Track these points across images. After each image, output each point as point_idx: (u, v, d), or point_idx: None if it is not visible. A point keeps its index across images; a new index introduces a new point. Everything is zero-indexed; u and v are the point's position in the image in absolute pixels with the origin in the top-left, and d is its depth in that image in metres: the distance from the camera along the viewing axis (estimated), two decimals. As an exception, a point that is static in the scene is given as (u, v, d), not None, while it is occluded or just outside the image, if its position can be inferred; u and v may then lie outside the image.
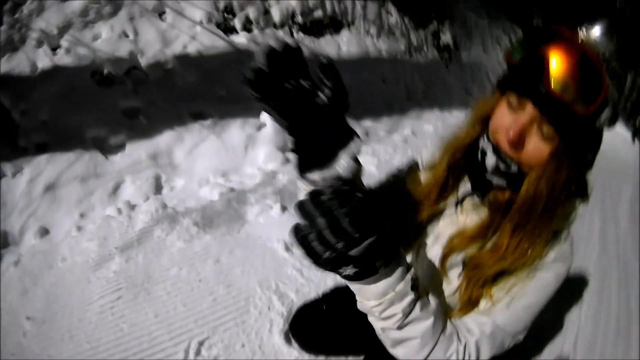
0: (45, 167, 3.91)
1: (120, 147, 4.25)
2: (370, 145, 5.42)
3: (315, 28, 7.11)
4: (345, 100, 0.94)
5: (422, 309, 1.00)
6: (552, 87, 0.93)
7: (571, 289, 3.50)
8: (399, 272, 0.96)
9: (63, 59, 4.74)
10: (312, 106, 0.91)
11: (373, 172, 4.77)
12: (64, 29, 4.94)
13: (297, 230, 0.84)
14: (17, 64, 4.51)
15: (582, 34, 0.97)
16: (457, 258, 1.18)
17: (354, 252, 0.86)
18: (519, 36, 0.91)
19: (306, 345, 2.41)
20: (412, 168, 1.44)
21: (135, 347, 2.60)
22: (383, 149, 5.40)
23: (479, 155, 1.11)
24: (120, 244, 3.31)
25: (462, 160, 1.21)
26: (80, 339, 2.65)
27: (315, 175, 0.95)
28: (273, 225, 3.59)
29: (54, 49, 4.83)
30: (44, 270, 3.16)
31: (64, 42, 4.88)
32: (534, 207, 1.04)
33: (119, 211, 3.62)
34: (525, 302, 1.10)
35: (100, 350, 2.58)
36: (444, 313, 1.08)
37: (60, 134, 4.19)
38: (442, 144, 1.27)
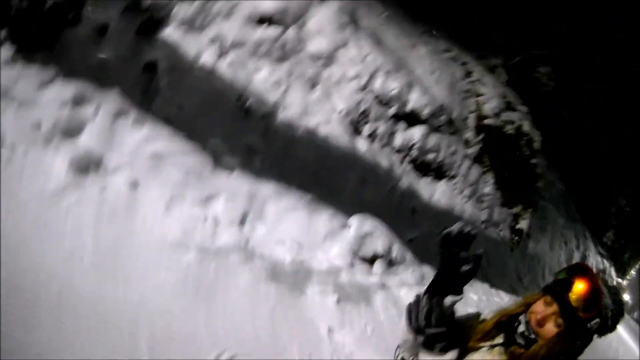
0: (161, 138, 3.91)
1: (229, 169, 4.26)
2: (422, 289, 5.32)
3: (422, 167, 7.34)
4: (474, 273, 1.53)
5: None
6: (571, 300, 1.46)
7: None
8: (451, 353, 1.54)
9: (223, 68, 4.97)
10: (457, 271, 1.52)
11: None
12: (237, 44, 5.23)
13: (409, 312, 1.58)
14: (188, 43, 4.75)
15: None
16: None
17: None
18: (565, 266, 1.73)
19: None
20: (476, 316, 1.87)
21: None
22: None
23: (515, 323, 1.60)
24: (199, 244, 3.25)
25: (504, 323, 1.66)
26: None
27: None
28: (325, 309, 3.61)
29: (221, 54, 5.02)
30: (121, 214, 3.08)
31: (231, 54, 5.09)
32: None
33: (206, 218, 3.59)
34: None
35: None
36: None
37: (188, 122, 4.31)
38: (497, 309, 1.75)
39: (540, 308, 1.55)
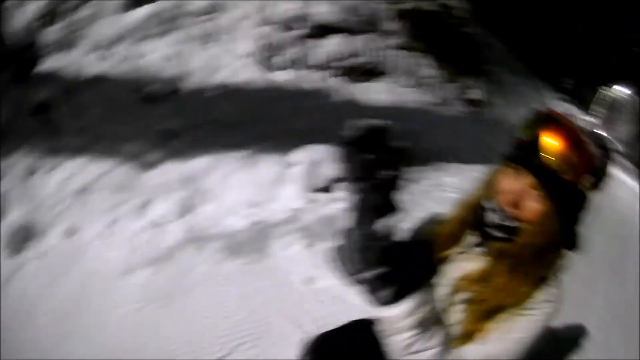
0: (80, 169, 3.94)
1: (154, 165, 4.29)
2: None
3: (352, 74, 7.16)
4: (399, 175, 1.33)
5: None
6: (543, 160, 1.21)
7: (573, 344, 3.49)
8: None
9: (111, 69, 4.85)
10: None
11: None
12: (116, 40, 5.08)
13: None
14: (66, 65, 4.62)
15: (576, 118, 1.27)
16: (462, 296, 1.39)
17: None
18: (525, 119, 1.33)
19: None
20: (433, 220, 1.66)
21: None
22: (405, 198, 5.36)
23: (485, 213, 1.34)
24: (147, 258, 3.32)
25: (470, 219, 1.43)
26: (97, 342, 2.62)
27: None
28: (296, 260, 3.59)
29: (104, 58, 4.94)
30: (68, 269, 3.16)
31: (114, 54, 5.00)
32: (526, 254, 1.26)
33: (149, 226, 3.64)
34: (516, 336, 1.29)
35: (116, 356, 2.55)
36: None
37: (98, 140, 4.24)
38: (456, 203, 1.53)
39: (509, 185, 1.28)
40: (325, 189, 4.84)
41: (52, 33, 4.70)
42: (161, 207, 3.89)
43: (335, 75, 6.92)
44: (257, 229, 3.90)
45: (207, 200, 4.11)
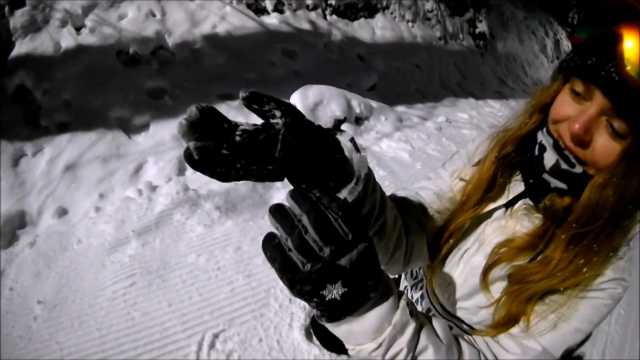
0: (66, 146, 3.79)
1: (144, 128, 4.13)
2: (404, 132, 5.16)
3: (349, 11, 6.88)
4: (295, 110, 0.73)
5: (429, 337, 0.82)
6: (628, 72, 0.73)
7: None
8: (392, 299, 0.76)
9: (87, 38, 4.63)
10: (279, 129, 0.69)
11: (406, 159, 4.52)
12: (88, 8, 4.84)
13: (269, 239, 0.67)
14: (40, 43, 4.40)
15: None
16: (502, 271, 0.99)
17: (343, 261, 0.65)
18: (585, 11, 0.67)
19: (328, 344, 2.21)
20: (454, 161, 1.23)
21: (147, 337, 2.45)
22: (417, 136, 5.14)
23: (536, 151, 0.92)
24: (137, 227, 3.16)
25: (514, 156, 1.02)
26: (90, 326, 2.51)
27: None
28: None
29: (78, 28, 4.72)
30: (59, 253, 3.04)
31: (88, 22, 4.77)
32: (595, 218, 0.85)
33: (140, 192, 3.48)
34: (574, 326, 0.93)
35: (109, 338, 2.44)
36: (455, 337, 0.90)
37: (82, 113, 4.07)
38: (492, 135, 1.08)
39: (569, 109, 0.86)
40: (332, 129, 4.59)
41: (20, 16, 4.46)
42: (154, 170, 3.73)
43: (332, 14, 6.54)
44: (253, 184, 3.68)
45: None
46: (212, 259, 2.94)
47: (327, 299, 0.67)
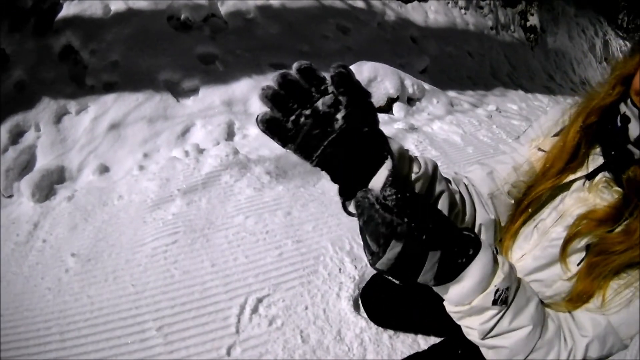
0: (112, 106, 3.61)
1: (193, 92, 3.92)
2: (455, 116, 4.86)
3: None
4: (369, 111, 0.80)
5: (513, 320, 0.86)
6: None
7: None
8: (477, 280, 0.80)
9: (138, 3, 4.45)
10: (331, 134, 0.77)
11: (458, 142, 4.22)
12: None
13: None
14: (89, 6, 4.25)
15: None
16: (581, 243, 0.96)
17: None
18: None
19: (375, 317, 2.06)
20: (528, 135, 1.24)
21: (185, 296, 2.19)
22: (468, 121, 4.84)
23: (619, 122, 0.93)
24: (183, 187, 2.92)
25: (596, 127, 0.99)
26: (125, 281, 2.27)
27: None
28: None
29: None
30: (98, 207, 2.83)
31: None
32: None
33: (186, 154, 3.25)
34: None
35: (145, 295, 2.19)
36: (545, 315, 0.92)
37: (130, 74, 3.88)
38: (570, 106, 1.07)
39: None
40: (384, 107, 4.34)
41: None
42: (202, 133, 3.51)
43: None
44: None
45: (252, 124, 3.68)
46: (260, 221, 2.67)
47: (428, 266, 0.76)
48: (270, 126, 0.77)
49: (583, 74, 10.77)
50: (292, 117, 0.76)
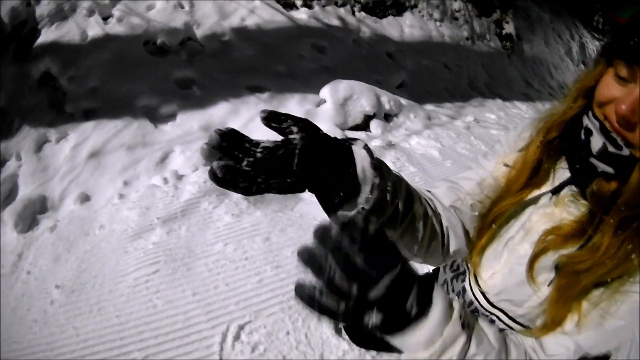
0: (92, 133, 3.68)
1: (171, 117, 4.00)
2: (433, 130, 5.01)
3: (377, 9, 6.84)
4: (312, 125, 0.79)
5: (479, 345, 0.81)
6: None
7: None
8: (440, 312, 0.76)
9: (115, 28, 4.55)
10: (297, 146, 0.76)
11: (436, 157, 4.37)
12: (116, -1, 4.75)
13: (300, 289, 0.67)
14: (67, 32, 4.34)
15: None
16: (549, 260, 0.93)
17: (372, 294, 0.68)
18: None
19: (357, 339, 2.07)
20: (496, 150, 1.21)
21: (168, 326, 2.29)
22: (446, 134, 4.99)
23: (582, 135, 0.90)
24: (163, 215, 3.01)
25: (559, 141, 0.99)
26: (110, 312, 2.36)
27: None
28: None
29: (105, 18, 4.65)
30: (80, 238, 2.91)
31: (116, 12, 4.70)
32: None
33: (165, 181, 3.34)
34: (618, 323, 0.85)
35: (129, 325, 2.28)
36: (503, 339, 0.87)
37: (109, 101, 3.96)
38: (536, 120, 1.04)
39: (614, 91, 0.83)
40: (361, 125, 4.47)
41: (47, 4, 4.40)
42: (181, 159, 3.59)
43: (361, 11, 6.47)
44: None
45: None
46: (239, 248, 2.78)
47: (370, 326, 0.72)
48: (228, 174, 0.70)
49: (561, 79, 10.93)
50: (248, 158, 0.72)
